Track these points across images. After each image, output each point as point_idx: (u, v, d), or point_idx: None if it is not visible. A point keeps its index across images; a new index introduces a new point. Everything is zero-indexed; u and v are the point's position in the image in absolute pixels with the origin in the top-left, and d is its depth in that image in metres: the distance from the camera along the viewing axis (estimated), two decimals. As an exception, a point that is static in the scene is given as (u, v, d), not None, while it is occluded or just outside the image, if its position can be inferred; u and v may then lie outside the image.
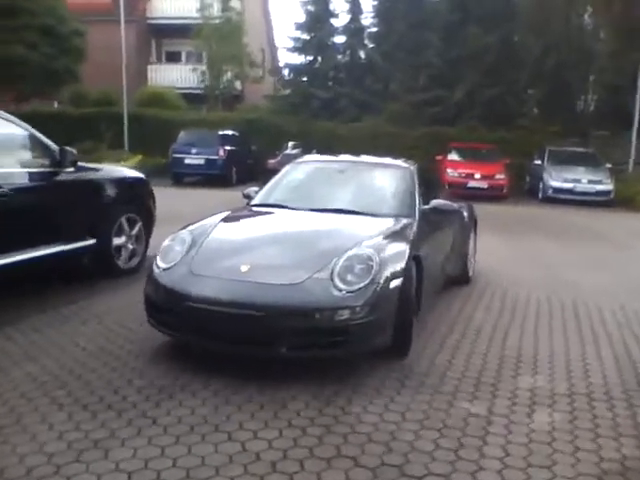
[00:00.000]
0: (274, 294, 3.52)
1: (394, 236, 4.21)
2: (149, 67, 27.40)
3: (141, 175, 6.65)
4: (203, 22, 22.02)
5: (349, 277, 3.59)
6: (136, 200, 6.33)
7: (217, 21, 21.85)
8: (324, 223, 4.59)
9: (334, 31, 22.41)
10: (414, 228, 4.50)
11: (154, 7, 27.21)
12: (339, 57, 22.34)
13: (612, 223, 12.80)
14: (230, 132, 18.35)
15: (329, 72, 22.19)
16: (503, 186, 16.44)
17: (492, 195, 15.77)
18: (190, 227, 4.38)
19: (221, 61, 21.91)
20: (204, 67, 22.79)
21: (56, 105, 24.88)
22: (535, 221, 12.55)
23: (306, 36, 22.32)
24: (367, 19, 22.53)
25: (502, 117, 20.49)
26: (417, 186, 5.07)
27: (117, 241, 5.98)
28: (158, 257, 4.06)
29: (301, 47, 22.51)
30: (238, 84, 26.70)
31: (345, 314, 3.47)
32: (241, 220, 4.87)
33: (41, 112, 20.96)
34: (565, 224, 12.28)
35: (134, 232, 6.22)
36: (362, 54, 22.57)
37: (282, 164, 17.53)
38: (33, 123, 5.33)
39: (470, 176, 16.30)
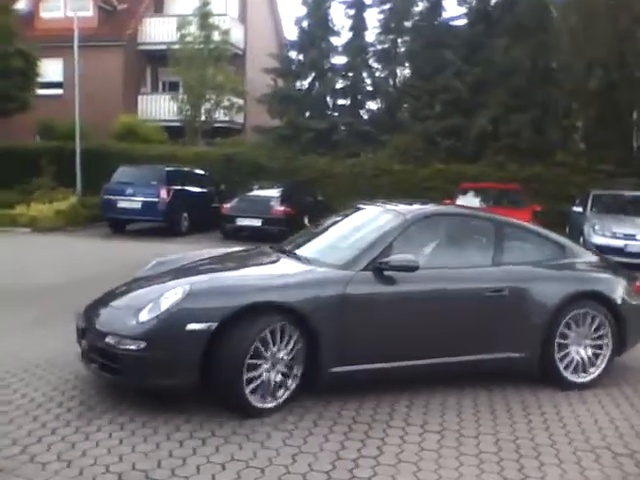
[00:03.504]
0: (98, 315, 3.94)
1: (258, 282, 3.95)
2: (140, 97, 24.59)
3: None
4: (181, 45, 18.92)
5: (153, 311, 3.63)
6: None
7: (197, 45, 18.69)
8: (248, 269, 4.57)
9: (333, 50, 18.78)
10: (325, 282, 3.92)
11: (145, 31, 24.46)
12: (339, 80, 18.62)
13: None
14: (187, 168, 14.84)
15: (326, 98, 18.55)
16: (528, 242, 12.19)
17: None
18: (167, 257, 5.17)
19: (201, 89, 18.66)
20: (185, 96, 19.61)
21: (38, 139, 22.44)
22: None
23: (302, 57, 18.79)
24: (372, 36, 18.81)
25: (537, 151, 16.33)
26: (388, 237, 4.24)
27: None
28: None
29: (294, 70, 18.97)
30: (235, 115, 23.50)
31: (122, 343, 3.59)
32: (207, 257, 4.99)
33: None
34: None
35: None
36: (366, 77, 18.86)
37: (237, 210, 13.98)
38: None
39: (484, 228, 12.08)
